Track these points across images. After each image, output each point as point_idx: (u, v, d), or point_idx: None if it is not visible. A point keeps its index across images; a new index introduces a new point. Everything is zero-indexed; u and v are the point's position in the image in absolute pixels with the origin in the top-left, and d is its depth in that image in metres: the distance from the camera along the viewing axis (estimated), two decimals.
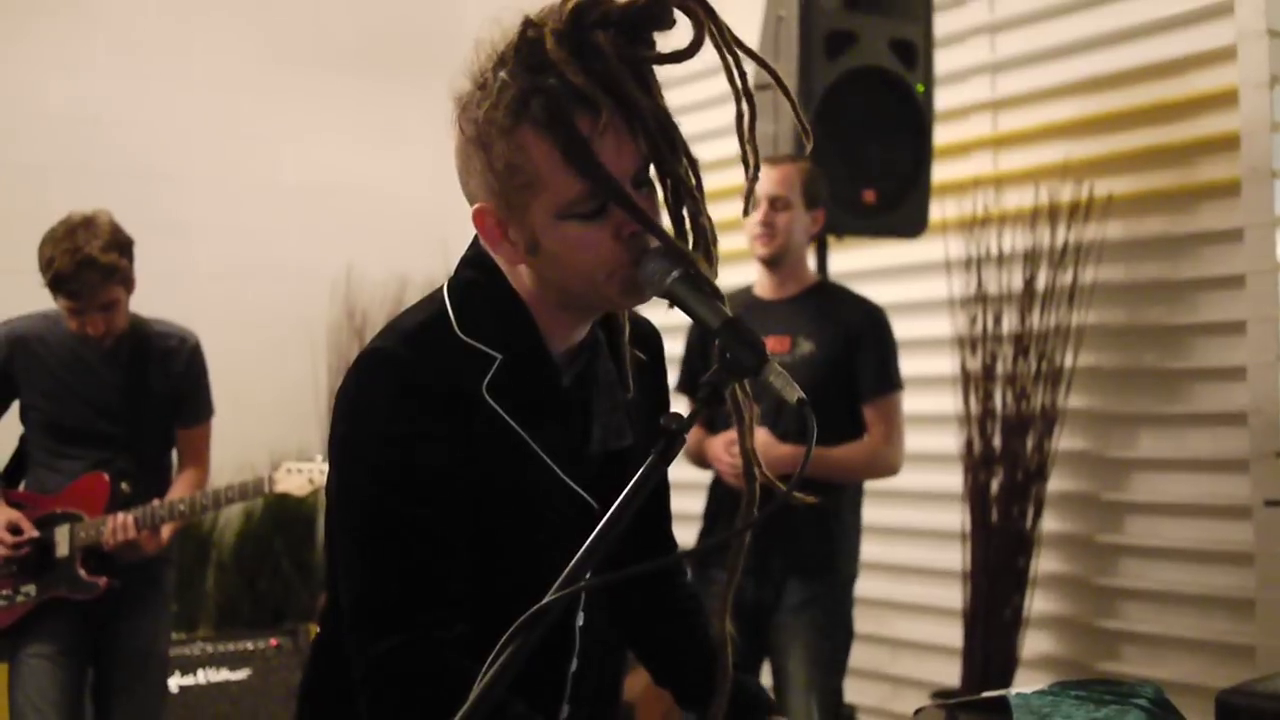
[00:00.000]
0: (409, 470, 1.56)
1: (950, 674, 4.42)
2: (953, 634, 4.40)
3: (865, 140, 4.09)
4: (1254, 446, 3.85)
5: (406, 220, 5.87)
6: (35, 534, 3.55)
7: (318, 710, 1.80)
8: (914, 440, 3.80)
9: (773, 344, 3.61)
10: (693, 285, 1.49)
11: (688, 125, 1.58)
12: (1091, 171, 4.25)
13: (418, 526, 1.56)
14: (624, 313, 1.74)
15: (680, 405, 1.45)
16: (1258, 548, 3.84)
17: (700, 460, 3.78)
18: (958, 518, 4.36)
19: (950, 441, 4.39)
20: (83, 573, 3.56)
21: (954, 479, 4.38)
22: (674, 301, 1.50)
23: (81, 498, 3.59)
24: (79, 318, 3.48)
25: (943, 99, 4.39)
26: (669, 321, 1.60)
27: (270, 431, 5.32)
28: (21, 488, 3.71)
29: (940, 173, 4.32)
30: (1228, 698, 1.77)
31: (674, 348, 2.59)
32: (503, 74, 1.50)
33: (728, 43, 1.51)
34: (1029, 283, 4.25)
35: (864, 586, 3.86)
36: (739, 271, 3.87)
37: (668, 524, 1.94)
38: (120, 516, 3.50)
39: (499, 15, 1.53)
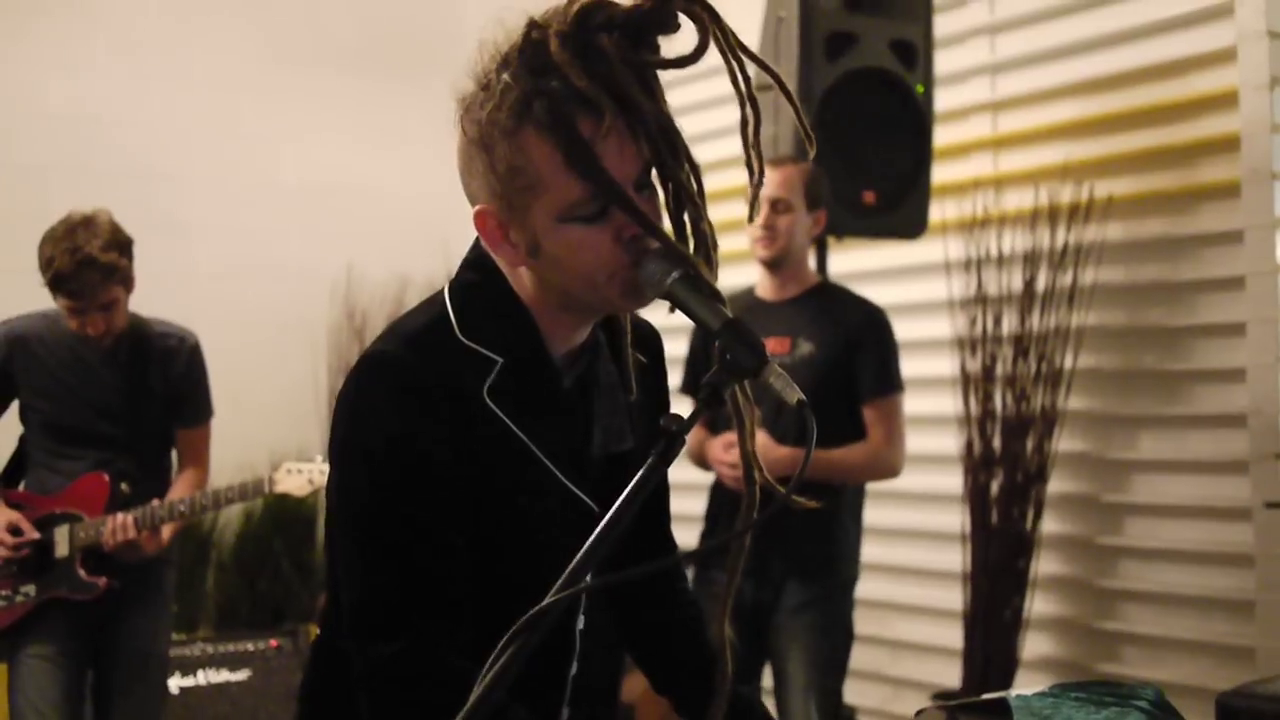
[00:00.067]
0: (410, 473, 1.56)
1: (950, 675, 4.42)
2: (953, 635, 4.40)
3: (865, 141, 4.09)
4: (1254, 448, 3.85)
5: (407, 220, 5.87)
6: (35, 535, 3.55)
7: (318, 711, 1.80)
8: (914, 441, 3.80)
9: (773, 345, 3.61)
10: (693, 286, 1.49)
11: (689, 126, 1.58)
12: (1091, 173, 4.25)
13: (418, 529, 1.56)
14: (626, 315, 1.74)
15: (683, 407, 1.44)
16: (1258, 549, 3.84)
17: (702, 461, 3.78)
18: (958, 519, 4.36)
19: (950, 443, 4.39)
20: (82, 573, 3.56)
21: (954, 480, 4.38)
22: (674, 303, 1.50)
23: (81, 498, 3.59)
24: (79, 317, 3.48)
25: (943, 100, 4.39)
26: (671, 323, 1.60)
27: (270, 432, 5.32)
28: (21, 488, 3.71)
29: (940, 174, 4.32)
30: (1228, 700, 1.77)
31: (676, 349, 2.59)
32: (506, 75, 1.50)
33: (732, 47, 1.51)
34: (1029, 284, 4.25)
35: (864, 588, 3.86)
36: (741, 272, 3.87)
37: (667, 526, 1.94)
38: (120, 517, 3.50)
39: (503, 16, 1.53)
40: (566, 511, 1.65)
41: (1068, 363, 4.20)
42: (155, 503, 3.55)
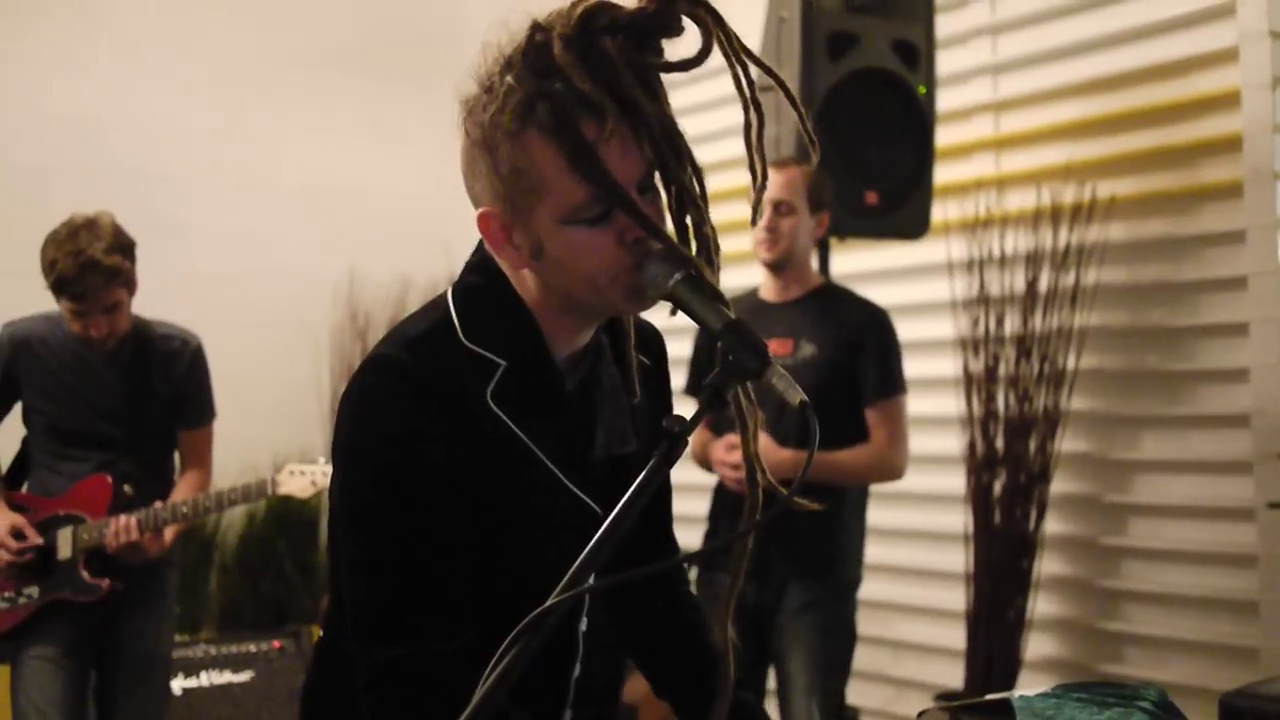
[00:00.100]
0: (412, 476, 1.56)
1: (953, 676, 4.42)
2: (956, 636, 4.40)
3: (867, 142, 4.09)
4: (1257, 448, 3.85)
5: (409, 222, 5.87)
6: (38, 541, 3.55)
7: (321, 713, 1.80)
8: (917, 442, 3.80)
9: (775, 347, 3.61)
10: (695, 288, 1.49)
11: (691, 126, 1.58)
12: (1094, 173, 4.25)
13: (421, 533, 1.56)
14: (629, 318, 1.74)
15: (687, 408, 1.44)
16: (1261, 550, 3.83)
17: (705, 463, 3.78)
18: (960, 520, 4.36)
19: (953, 443, 4.39)
20: (85, 575, 3.56)
21: (957, 481, 4.38)
22: (676, 304, 1.50)
23: (84, 500, 3.59)
24: (82, 320, 3.48)
25: (945, 100, 4.39)
26: (674, 324, 1.60)
27: (273, 433, 5.33)
28: (24, 490, 3.71)
29: (942, 174, 4.33)
30: (1231, 700, 1.77)
31: (679, 350, 2.58)
32: (509, 78, 1.50)
33: (735, 51, 1.51)
34: (1031, 284, 4.25)
35: (867, 589, 3.86)
36: (744, 273, 3.87)
37: (669, 527, 1.94)
38: (123, 519, 3.50)
39: (506, 19, 1.53)
40: (570, 514, 1.64)
41: (1070, 363, 4.20)
42: (158, 504, 3.55)
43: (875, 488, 3.87)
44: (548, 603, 1.28)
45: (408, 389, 1.56)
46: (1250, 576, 3.90)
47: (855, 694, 4.20)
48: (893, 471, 3.71)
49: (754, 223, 1.60)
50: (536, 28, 1.50)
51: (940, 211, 4.29)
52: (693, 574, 3.96)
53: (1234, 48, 3.94)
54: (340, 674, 1.64)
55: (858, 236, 4.25)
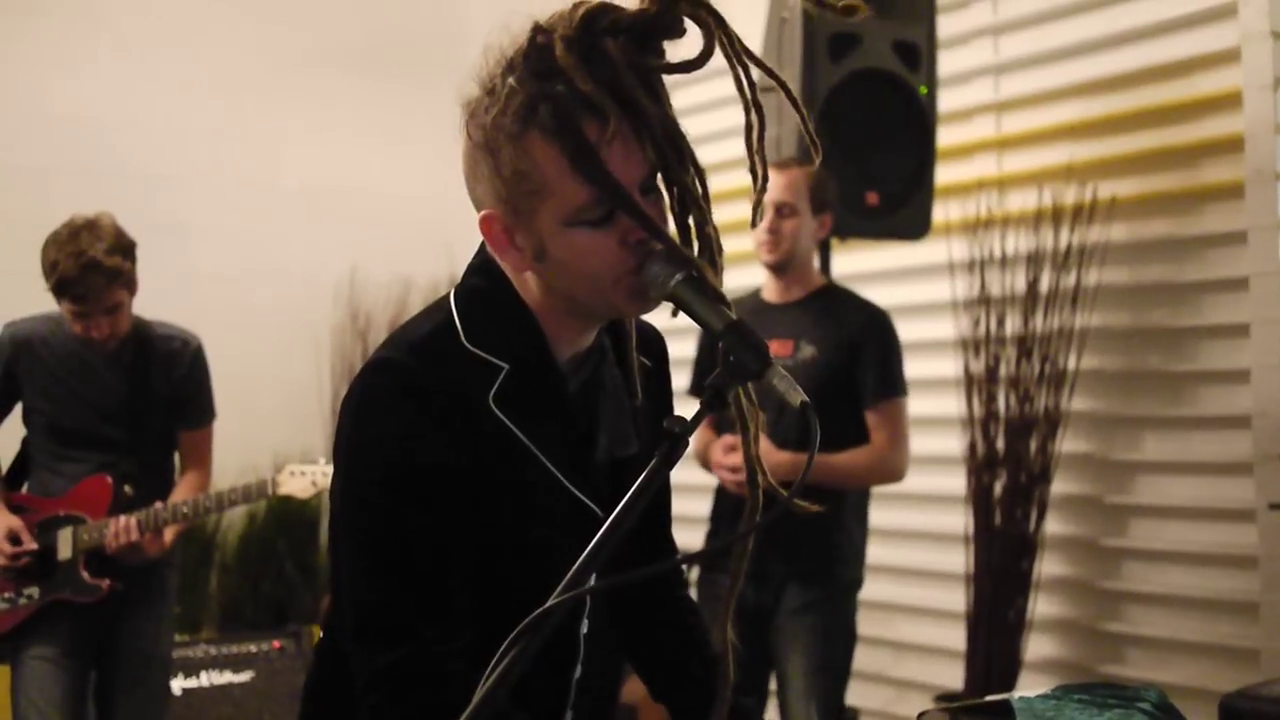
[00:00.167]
0: (414, 479, 1.55)
1: (953, 677, 4.42)
2: (956, 637, 4.39)
3: (868, 142, 4.09)
4: (1258, 449, 3.85)
5: (410, 222, 5.88)
6: (34, 546, 3.54)
7: (322, 713, 1.80)
8: (917, 443, 3.79)
9: (775, 348, 3.60)
10: (696, 289, 1.49)
11: (693, 127, 1.57)
12: (1095, 173, 4.25)
13: (422, 535, 1.56)
14: (631, 320, 1.73)
15: (690, 409, 1.44)
16: (1262, 551, 3.83)
17: (708, 463, 3.77)
18: (961, 520, 4.36)
19: (953, 444, 4.39)
20: (85, 575, 3.56)
21: (957, 481, 4.37)
22: (678, 305, 1.50)
23: (84, 500, 3.59)
24: (84, 321, 3.48)
25: (946, 101, 4.38)
26: (677, 325, 1.60)
27: (274, 434, 5.33)
28: (24, 490, 3.71)
29: (944, 175, 4.33)
30: (1232, 701, 1.77)
31: (682, 350, 2.59)
32: (511, 80, 1.50)
33: (736, 52, 1.51)
34: (1032, 285, 4.25)
35: (867, 589, 3.86)
36: (748, 274, 3.87)
37: (668, 529, 1.94)
38: (123, 519, 3.50)
39: (507, 21, 1.53)
40: (572, 516, 1.64)
41: (1071, 364, 4.20)
42: (158, 505, 3.55)
43: (876, 488, 3.86)
44: (547, 604, 1.28)
45: (409, 392, 1.56)
46: (1251, 578, 3.90)
47: (855, 695, 4.20)
48: (893, 474, 3.70)
49: (754, 224, 1.60)
50: (538, 30, 1.50)
51: (941, 212, 4.29)
52: (693, 575, 3.97)
53: (1235, 48, 3.94)
54: (341, 674, 1.64)
55: (859, 237, 4.25)
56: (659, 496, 1.88)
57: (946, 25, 4.42)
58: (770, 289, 3.78)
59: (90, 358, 3.61)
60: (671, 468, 1.42)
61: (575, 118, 1.47)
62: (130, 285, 3.53)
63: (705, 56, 1.50)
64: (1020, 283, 4.28)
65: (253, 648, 4.68)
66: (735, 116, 1.53)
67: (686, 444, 1.41)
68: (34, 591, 3.57)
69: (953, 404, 4.38)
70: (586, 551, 1.35)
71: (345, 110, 6.08)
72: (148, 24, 5.65)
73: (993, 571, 4.25)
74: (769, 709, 3.83)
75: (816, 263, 3.96)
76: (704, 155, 1.56)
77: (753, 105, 1.54)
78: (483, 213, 1.58)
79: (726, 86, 1.52)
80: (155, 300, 3.73)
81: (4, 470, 3.73)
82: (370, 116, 6.12)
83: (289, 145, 5.92)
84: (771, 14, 4.16)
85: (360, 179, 6.01)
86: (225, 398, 3.85)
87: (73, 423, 3.62)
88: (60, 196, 3.92)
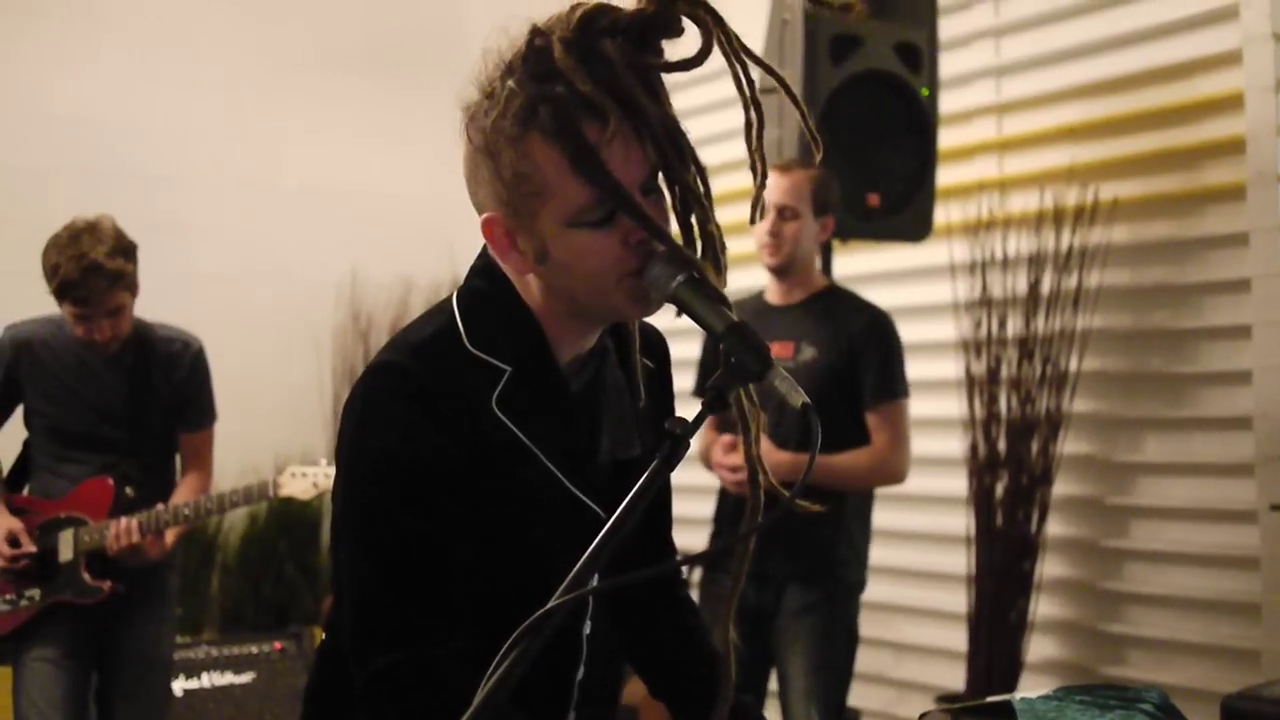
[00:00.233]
0: (415, 482, 1.55)
1: (955, 678, 4.42)
2: (957, 638, 4.39)
3: (870, 144, 4.09)
4: (1259, 451, 3.85)
5: (411, 223, 5.88)
6: (33, 548, 3.54)
7: (323, 714, 1.80)
8: (918, 444, 3.79)
9: (776, 350, 3.60)
10: (698, 290, 1.49)
11: (694, 129, 1.57)
12: (1096, 175, 4.25)
13: (423, 539, 1.56)
14: (634, 322, 1.73)
15: (694, 410, 1.44)
16: (1263, 552, 3.83)
17: (710, 463, 3.77)
18: (962, 522, 4.35)
19: (955, 446, 4.39)
20: (87, 577, 3.56)
21: (959, 483, 4.37)
22: (679, 306, 1.50)
23: (86, 502, 3.59)
24: (86, 324, 3.48)
25: (948, 103, 4.38)
26: (682, 326, 1.60)
27: (275, 435, 5.33)
28: (25, 492, 3.71)
29: (945, 176, 4.32)
30: (1233, 703, 1.77)
31: (685, 352, 2.59)
32: (510, 83, 1.50)
33: (736, 51, 1.51)
34: (1034, 287, 4.25)
35: (869, 590, 3.85)
36: (752, 275, 3.87)
37: (669, 530, 1.94)
38: (124, 521, 3.50)
39: (507, 24, 1.53)
40: (574, 518, 1.64)
41: (1073, 365, 4.20)
42: (159, 507, 3.55)
43: (878, 489, 3.86)
44: (548, 605, 1.29)
45: (412, 395, 1.56)
46: (1252, 579, 3.89)
47: (857, 696, 4.20)
48: (893, 476, 3.69)
49: (753, 221, 1.60)
50: (536, 32, 1.50)
51: (943, 214, 4.29)
52: (696, 576, 3.97)
53: (1237, 50, 3.94)
54: (343, 676, 1.63)
55: (860, 239, 4.24)
56: (660, 498, 1.88)
57: (948, 27, 4.42)
58: (772, 291, 3.78)
59: (91, 360, 3.61)
60: (672, 469, 1.42)
61: (575, 119, 1.47)
62: (132, 287, 3.53)
63: (704, 54, 1.50)
64: (1022, 284, 4.28)
65: (254, 649, 4.68)
66: (735, 118, 1.53)
67: (687, 445, 1.41)
68: (35, 593, 3.57)
69: (954, 405, 4.38)
70: (588, 553, 1.35)
71: (346, 110, 6.08)
72: (148, 24, 5.65)
73: (994, 573, 4.24)
74: (770, 710, 3.82)
75: (818, 265, 3.96)
76: (706, 157, 1.57)
77: (752, 103, 1.54)
78: (484, 216, 1.58)
79: (726, 89, 1.53)
80: (156, 301, 3.73)
81: (5, 472, 3.73)
82: (371, 117, 6.12)
83: (289, 145, 5.92)
84: (773, 16, 4.16)
85: (361, 179, 6.01)
86: (226, 399, 3.85)
87: (74, 425, 3.62)
88: (61, 197, 3.93)
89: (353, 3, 6.22)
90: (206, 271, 5.54)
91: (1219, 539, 4.04)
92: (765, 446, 3.40)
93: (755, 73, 1.54)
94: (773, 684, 3.77)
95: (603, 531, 1.36)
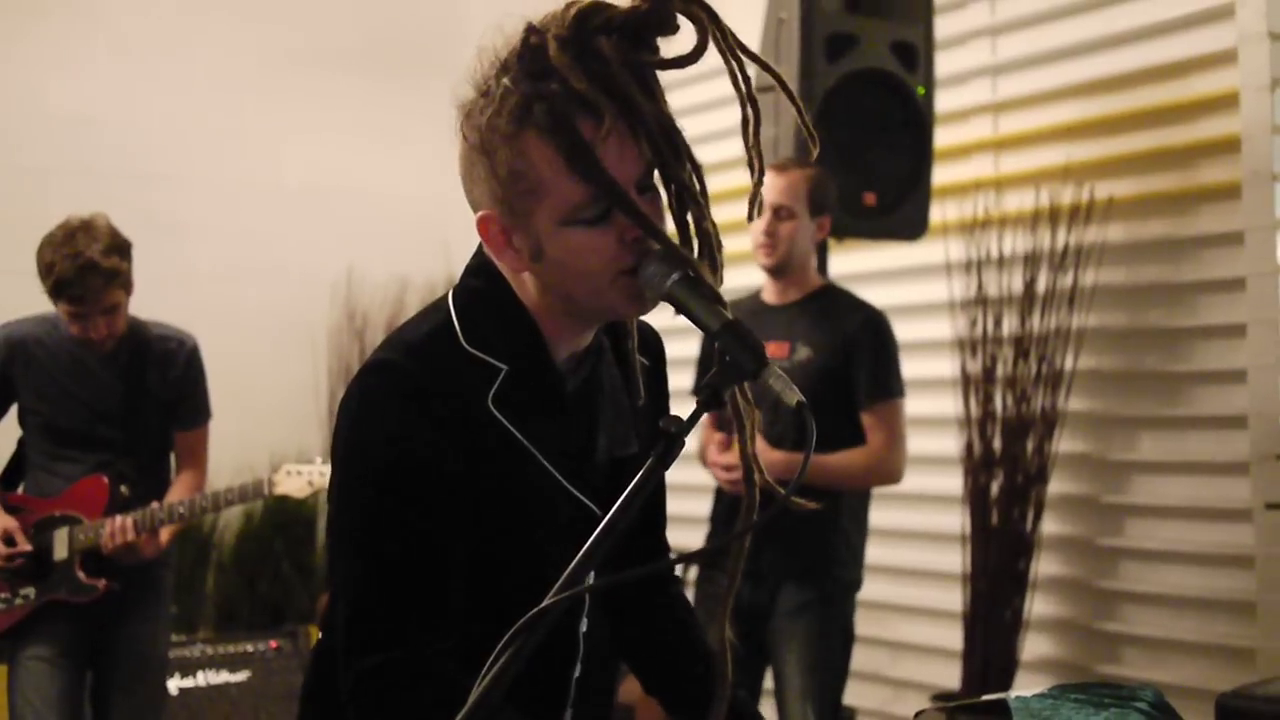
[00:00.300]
0: (410, 481, 1.55)
1: (950, 676, 4.42)
2: (953, 636, 4.40)
3: (866, 143, 4.09)
4: (1254, 449, 3.85)
5: (407, 222, 5.88)
6: (28, 547, 3.54)
7: (319, 713, 1.80)
8: (914, 443, 3.79)
9: (772, 349, 3.60)
10: (693, 288, 1.48)
11: (691, 127, 1.57)
12: (1092, 174, 4.25)
13: (418, 538, 1.55)
14: (631, 320, 1.73)
15: (690, 407, 1.44)
16: (1258, 550, 3.83)
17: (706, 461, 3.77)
18: (958, 520, 4.36)
19: (950, 444, 4.39)
20: (82, 575, 3.56)
21: (954, 482, 4.38)
22: (674, 305, 1.50)
23: (80, 500, 3.59)
24: (81, 322, 3.48)
25: (943, 101, 4.39)
26: (680, 325, 1.60)
27: (270, 433, 5.33)
28: (20, 491, 3.71)
29: (941, 175, 4.32)
30: (1228, 701, 1.77)
31: (684, 350, 2.59)
32: (505, 81, 1.50)
33: (731, 48, 1.51)
34: (1029, 285, 4.25)
35: (864, 589, 3.86)
36: (750, 274, 3.87)
37: (663, 528, 1.93)
38: (119, 519, 3.50)
39: (502, 22, 1.52)
40: (571, 516, 1.64)
41: (1068, 364, 4.20)
42: (154, 505, 3.55)
43: (873, 489, 3.86)
44: (543, 603, 1.28)
45: (407, 394, 1.56)
46: (1247, 577, 3.90)
47: (852, 694, 4.20)
48: (889, 475, 3.69)
49: (750, 218, 1.60)
50: (531, 30, 1.50)
51: (938, 212, 4.29)
52: (692, 574, 3.97)
53: (1233, 49, 3.94)
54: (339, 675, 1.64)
55: (856, 237, 4.24)
56: (654, 496, 1.88)
57: (944, 26, 4.43)
58: (768, 290, 3.78)
59: (86, 358, 3.60)
60: (667, 468, 1.42)
61: (570, 116, 1.47)
62: (127, 285, 3.52)
63: (699, 51, 1.50)
64: (1017, 283, 4.28)
65: (249, 647, 4.68)
66: (731, 116, 1.54)
67: (683, 444, 1.41)
68: (30, 592, 3.56)
69: (949, 404, 4.38)
70: (583, 551, 1.35)
71: (343, 110, 6.08)
72: (147, 24, 5.64)
73: (989, 571, 4.25)
74: (765, 709, 3.82)
75: (814, 264, 3.96)
76: (703, 156, 1.56)
77: (748, 99, 1.54)
78: (479, 214, 1.58)
79: (721, 87, 1.53)
80: (153, 299, 3.72)
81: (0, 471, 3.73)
82: (368, 116, 6.12)
83: (287, 145, 5.91)
84: (769, 15, 4.16)
85: (358, 179, 6.01)
86: (222, 397, 3.84)
87: (68, 423, 3.61)
88: (59, 196, 3.91)
89: (351, 3, 6.22)
90: (202, 270, 5.54)
91: (1214, 537, 4.04)
92: (760, 446, 3.41)
93: (752, 70, 1.54)
94: (768, 683, 3.77)
95: (598, 529, 1.36)
